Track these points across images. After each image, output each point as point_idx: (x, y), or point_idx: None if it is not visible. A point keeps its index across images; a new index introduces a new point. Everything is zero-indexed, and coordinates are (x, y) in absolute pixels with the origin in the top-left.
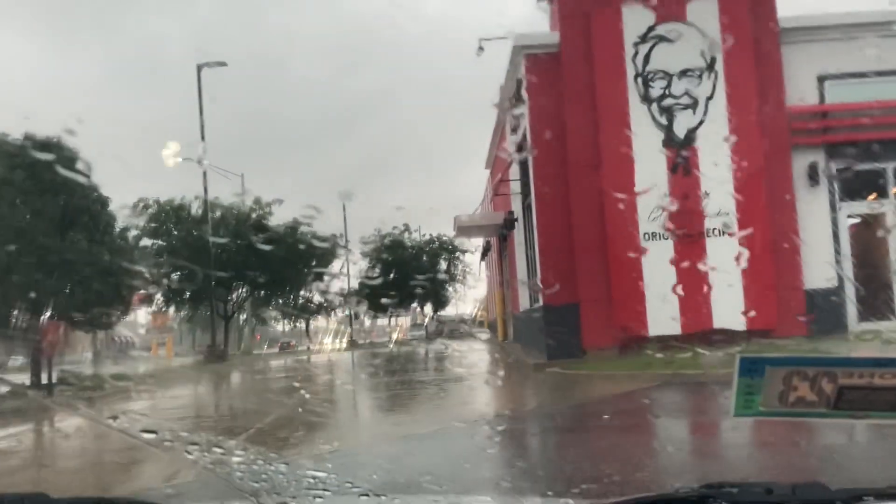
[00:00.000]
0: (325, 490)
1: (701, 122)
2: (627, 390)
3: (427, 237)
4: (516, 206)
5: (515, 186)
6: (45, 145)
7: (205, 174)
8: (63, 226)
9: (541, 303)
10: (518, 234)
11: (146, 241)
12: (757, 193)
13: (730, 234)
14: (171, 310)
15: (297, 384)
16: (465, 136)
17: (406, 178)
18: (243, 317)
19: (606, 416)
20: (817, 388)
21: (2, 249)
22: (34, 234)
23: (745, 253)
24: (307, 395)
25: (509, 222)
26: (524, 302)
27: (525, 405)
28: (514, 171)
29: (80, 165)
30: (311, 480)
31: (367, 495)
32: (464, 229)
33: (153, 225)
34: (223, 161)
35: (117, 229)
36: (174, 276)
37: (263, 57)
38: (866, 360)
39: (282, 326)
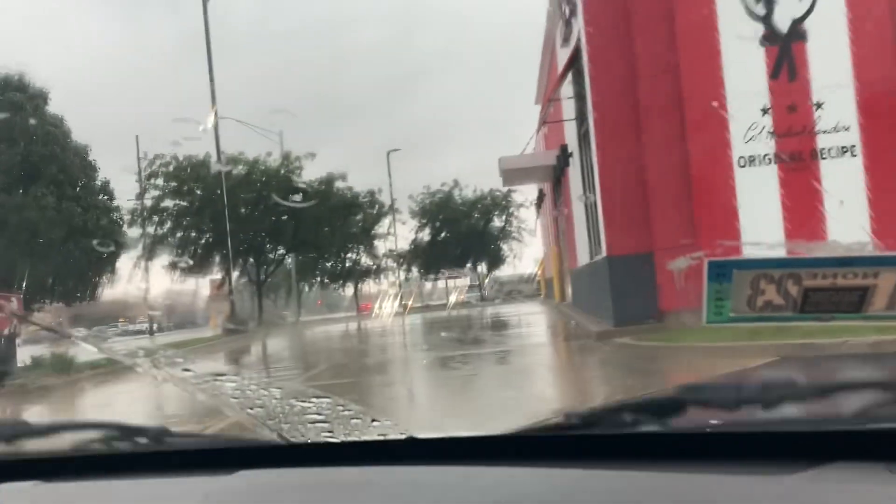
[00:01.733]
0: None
1: (810, 10)
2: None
3: (479, 193)
4: (571, 138)
5: (569, 113)
6: (3, 84)
7: (216, 128)
8: (24, 179)
9: (603, 253)
10: (574, 173)
11: (168, 203)
12: (888, 103)
13: (851, 156)
14: (195, 276)
15: (304, 364)
16: (517, 95)
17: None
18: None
19: None
20: (783, 290)
21: None
22: None
23: (872, 181)
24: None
25: (563, 158)
26: (583, 255)
27: (589, 398)
28: (567, 110)
29: (53, 110)
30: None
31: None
32: (510, 174)
33: (173, 184)
34: (283, 129)
35: (98, 183)
36: (200, 240)
37: (322, 23)
38: (829, 261)
39: (346, 291)
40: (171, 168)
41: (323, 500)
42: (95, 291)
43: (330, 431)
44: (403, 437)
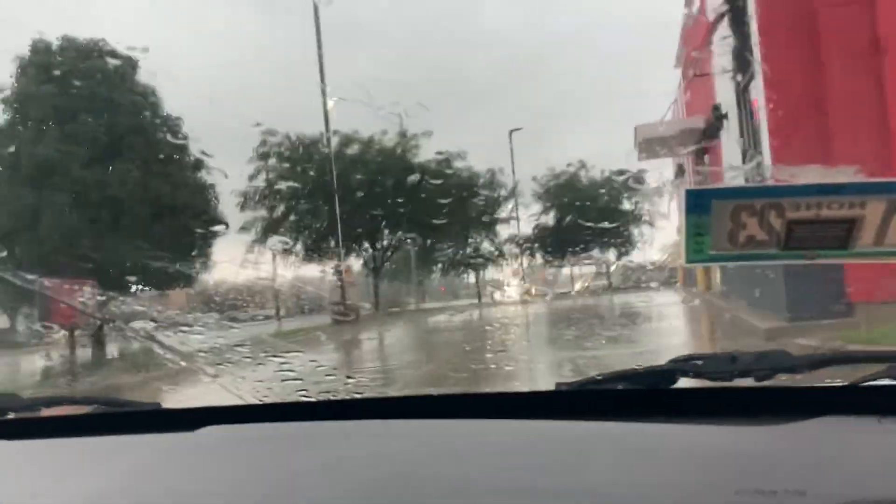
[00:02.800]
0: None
1: None
2: None
3: (606, 174)
4: (724, 98)
5: (722, 66)
6: (86, 51)
7: (325, 107)
8: (107, 154)
9: None
10: (728, 139)
11: (281, 185)
12: None
13: None
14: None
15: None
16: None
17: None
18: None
19: None
20: (766, 224)
21: (23, 186)
22: (67, 166)
23: None
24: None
25: (714, 123)
26: None
27: None
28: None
29: (141, 78)
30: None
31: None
32: (648, 144)
33: (285, 165)
34: (412, 118)
35: (191, 158)
36: (314, 224)
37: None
38: (810, 188)
39: (468, 277)
40: (282, 148)
41: (289, 451)
42: (192, 276)
43: (304, 389)
44: (381, 395)
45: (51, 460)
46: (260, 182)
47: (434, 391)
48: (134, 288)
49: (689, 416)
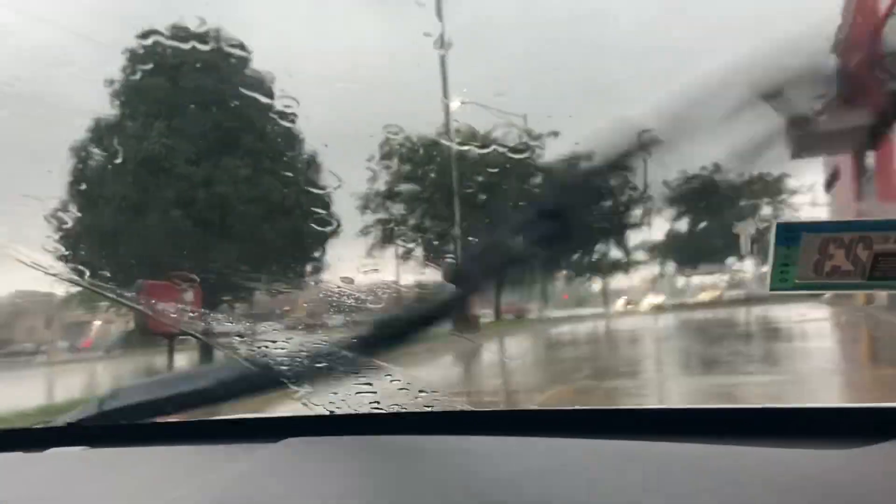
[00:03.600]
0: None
1: None
2: None
3: (746, 177)
4: None
5: None
6: (198, 41)
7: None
8: (215, 149)
9: None
10: None
11: (402, 187)
12: None
13: None
14: (429, 266)
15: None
16: None
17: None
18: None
19: None
20: (853, 255)
21: (127, 184)
22: (172, 162)
23: None
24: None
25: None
26: None
27: None
28: None
29: (250, 72)
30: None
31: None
32: (803, 140)
33: (406, 168)
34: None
35: (304, 156)
36: (434, 228)
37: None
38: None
39: (594, 285)
40: (404, 149)
41: (370, 466)
42: (301, 278)
43: (377, 402)
44: (457, 409)
45: (135, 468)
46: (380, 185)
47: (523, 407)
48: (240, 293)
49: (767, 437)
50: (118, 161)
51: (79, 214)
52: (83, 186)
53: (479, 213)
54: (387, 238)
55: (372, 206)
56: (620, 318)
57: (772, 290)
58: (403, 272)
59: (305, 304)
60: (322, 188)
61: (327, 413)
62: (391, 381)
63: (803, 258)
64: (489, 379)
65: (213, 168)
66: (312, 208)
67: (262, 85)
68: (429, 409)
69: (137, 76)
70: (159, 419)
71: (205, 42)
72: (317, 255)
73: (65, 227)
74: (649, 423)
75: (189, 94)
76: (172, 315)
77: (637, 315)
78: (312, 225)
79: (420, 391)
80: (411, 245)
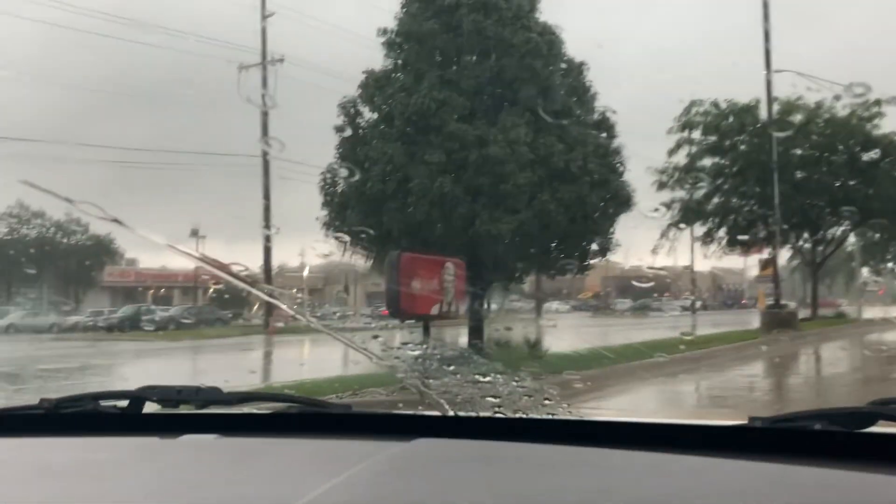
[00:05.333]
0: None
1: None
2: None
3: None
4: None
5: None
6: None
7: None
8: (492, 105)
9: None
10: None
11: (706, 161)
12: None
13: None
14: (735, 251)
15: None
16: None
17: None
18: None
19: None
20: None
21: (394, 144)
22: (443, 118)
23: None
24: None
25: None
26: None
27: None
28: None
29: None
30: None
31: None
32: None
33: (712, 138)
34: None
35: (596, 115)
36: (742, 208)
37: None
38: None
39: None
40: (708, 118)
41: (494, 472)
42: (585, 259)
43: (500, 406)
44: (577, 418)
45: (248, 459)
46: (681, 157)
47: (625, 418)
48: (513, 272)
49: (885, 463)
50: (384, 117)
51: (345, 176)
52: (349, 148)
53: (798, 192)
54: (688, 218)
55: (670, 182)
56: None
57: None
58: (701, 258)
59: (594, 289)
60: (615, 152)
61: (452, 415)
62: (517, 386)
63: None
64: (802, 394)
65: (487, 126)
66: (601, 176)
67: (550, 31)
68: (552, 417)
69: (411, 22)
70: (286, 410)
71: None
72: (604, 232)
73: (331, 190)
74: (764, 439)
75: (467, 40)
76: (433, 293)
77: None
78: (600, 196)
79: (545, 399)
80: (713, 227)
